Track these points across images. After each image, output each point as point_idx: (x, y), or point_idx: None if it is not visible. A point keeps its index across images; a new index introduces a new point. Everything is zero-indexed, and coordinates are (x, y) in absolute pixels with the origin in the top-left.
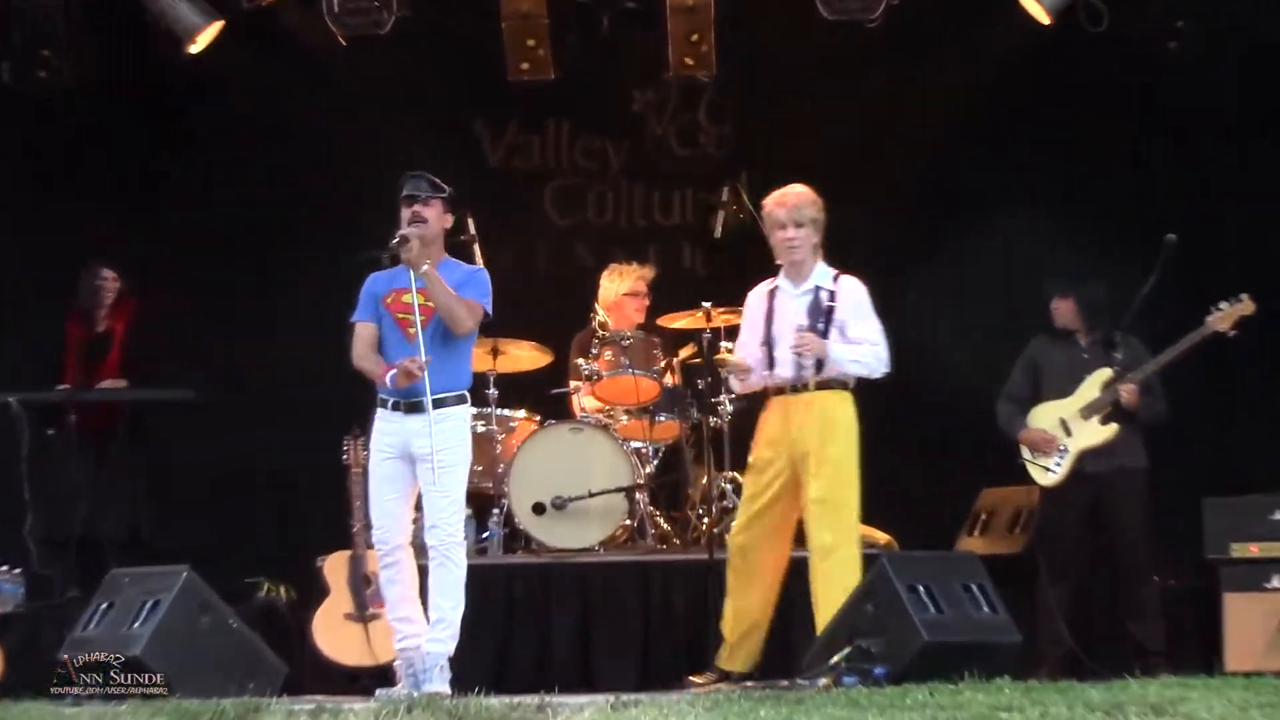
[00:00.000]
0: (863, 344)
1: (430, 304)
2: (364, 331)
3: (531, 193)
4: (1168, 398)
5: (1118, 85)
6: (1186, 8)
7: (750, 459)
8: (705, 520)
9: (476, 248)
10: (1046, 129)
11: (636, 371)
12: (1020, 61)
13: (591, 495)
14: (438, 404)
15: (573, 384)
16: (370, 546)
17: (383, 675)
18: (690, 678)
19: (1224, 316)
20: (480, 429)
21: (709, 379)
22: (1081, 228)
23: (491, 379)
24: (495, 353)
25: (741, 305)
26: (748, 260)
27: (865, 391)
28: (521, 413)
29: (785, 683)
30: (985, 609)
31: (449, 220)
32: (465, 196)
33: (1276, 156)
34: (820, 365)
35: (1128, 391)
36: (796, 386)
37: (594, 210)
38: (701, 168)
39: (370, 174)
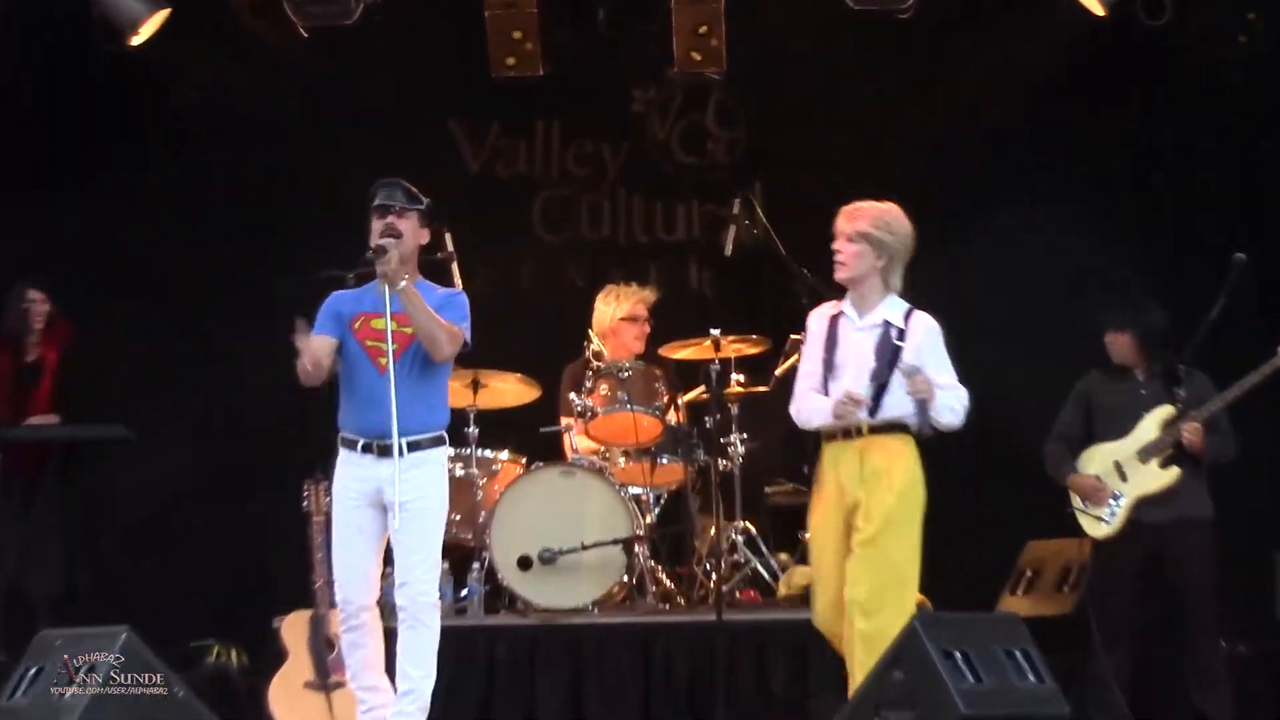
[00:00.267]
0: (948, 390)
1: (405, 330)
2: (320, 341)
3: (517, 204)
4: (1236, 438)
5: (1177, 84)
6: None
7: (810, 522)
8: (713, 576)
9: (454, 267)
10: (1095, 130)
11: (636, 408)
12: (1068, 56)
13: (585, 548)
14: (413, 447)
15: (564, 422)
16: (334, 605)
17: None
18: None
19: None
20: (459, 472)
21: (717, 416)
22: (1138, 244)
23: (472, 416)
24: (476, 386)
25: (753, 333)
26: (762, 281)
27: None
28: (505, 454)
29: None
30: (1030, 677)
31: (425, 236)
32: (441, 208)
33: None
34: (877, 406)
35: (1191, 431)
36: (849, 431)
37: (588, 224)
38: (710, 176)
39: (331, 181)
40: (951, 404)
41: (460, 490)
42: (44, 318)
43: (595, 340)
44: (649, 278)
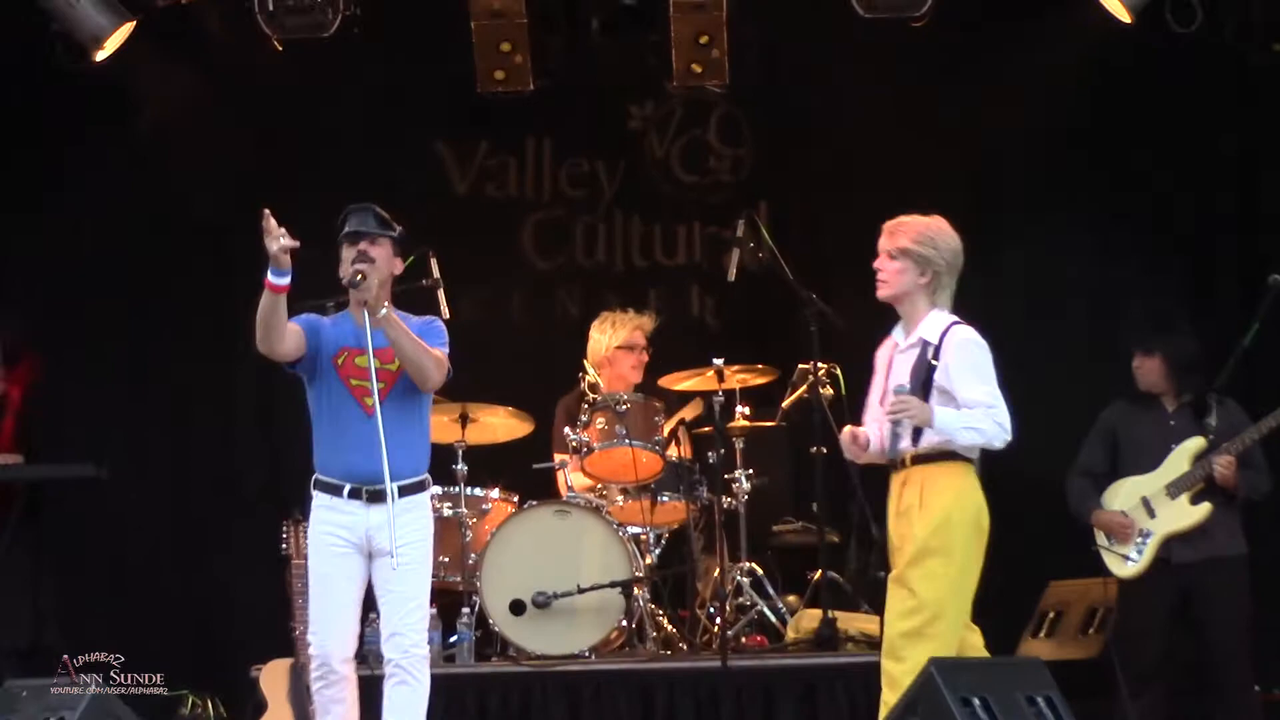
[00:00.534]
0: (976, 408)
1: (389, 367)
2: (288, 327)
3: (507, 227)
4: (1271, 471)
5: (1207, 93)
6: None
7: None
8: (718, 620)
9: (441, 294)
10: (1119, 143)
11: (634, 443)
12: (1091, 65)
13: (581, 591)
14: (403, 491)
15: (558, 458)
16: None
17: None
18: None
19: None
20: (447, 512)
21: (721, 450)
22: (1168, 264)
23: (460, 452)
24: (464, 421)
25: (759, 363)
26: (767, 308)
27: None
28: (496, 492)
29: None
30: None
31: (399, 265)
32: (426, 231)
33: None
34: (918, 434)
35: (1223, 465)
36: (895, 463)
37: (582, 248)
38: (712, 197)
39: (310, 202)
40: (971, 424)
41: (448, 531)
42: (2, 349)
43: (591, 371)
44: (648, 304)
